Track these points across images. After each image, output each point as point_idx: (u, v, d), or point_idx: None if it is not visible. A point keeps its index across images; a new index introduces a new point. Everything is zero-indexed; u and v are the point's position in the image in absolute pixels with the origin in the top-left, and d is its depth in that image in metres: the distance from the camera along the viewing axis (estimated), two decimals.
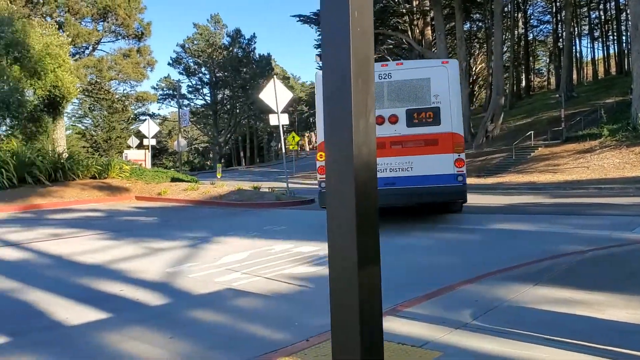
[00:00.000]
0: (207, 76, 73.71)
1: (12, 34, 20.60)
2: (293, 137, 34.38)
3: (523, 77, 57.83)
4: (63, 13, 38.94)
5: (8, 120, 22.87)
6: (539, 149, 29.78)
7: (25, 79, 20.94)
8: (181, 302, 5.15)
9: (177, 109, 53.77)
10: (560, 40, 52.51)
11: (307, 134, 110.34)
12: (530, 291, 4.77)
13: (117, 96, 55.58)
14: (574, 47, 50.40)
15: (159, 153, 68.98)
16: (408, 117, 10.36)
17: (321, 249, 7.65)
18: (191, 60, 72.32)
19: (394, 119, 10.36)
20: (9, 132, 24.20)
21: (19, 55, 20.95)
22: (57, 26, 32.75)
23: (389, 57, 52.88)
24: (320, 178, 10.63)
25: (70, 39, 29.40)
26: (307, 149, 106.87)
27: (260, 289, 5.49)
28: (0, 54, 20.74)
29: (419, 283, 5.52)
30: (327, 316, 4.41)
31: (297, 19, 46.90)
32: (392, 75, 10.54)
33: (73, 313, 4.80)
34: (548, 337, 3.61)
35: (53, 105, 22.93)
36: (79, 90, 31.55)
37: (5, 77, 20.82)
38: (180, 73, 72.87)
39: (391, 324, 4.02)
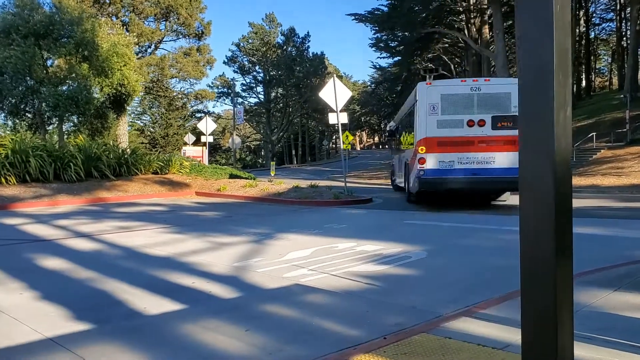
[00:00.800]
0: (261, 75, 74.70)
1: (82, 33, 21.45)
2: (347, 136, 34.38)
3: (583, 77, 55.79)
4: (128, 13, 40.22)
5: (75, 117, 23.85)
6: (602, 151, 28.71)
7: (93, 77, 21.76)
8: (252, 296, 5.21)
9: (230, 107, 54.54)
10: (625, 38, 50.44)
11: (358, 133, 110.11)
12: (611, 296, 4.59)
13: (175, 93, 56.97)
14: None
15: (213, 150, 70.40)
16: (493, 122, 13.21)
17: (384, 248, 7.61)
18: (246, 59, 73.43)
19: (482, 123, 13.22)
20: (75, 128, 25.26)
21: (87, 54, 21.81)
22: (122, 25, 33.89)
23: (443, 56, 52.11)
24: (419, 167, 13.41)
25: (135, 38, 30.33)
26: (358, 148, 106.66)
27: (328, 285, 5.50)
28: (71, 52, 21.64)
29: (490, 285, 5.40)
30: (400, 315, 4.41)
31: (352, 17, 46.89)
32: (481, 88, 13.33)
33: (150, 303, 4.94)
34: (637, 344, 3.46)
35: (118, 102, 23.77)
36: (141, 88, 32.55)
37: (74, 75, 21.70)
38: (235, 71, 74.24)
39: (468, 325, 3.95)
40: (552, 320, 2.15)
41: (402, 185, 19.39)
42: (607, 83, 68.34)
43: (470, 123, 13.19)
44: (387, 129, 25.94)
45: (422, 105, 13.37)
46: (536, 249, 2.16)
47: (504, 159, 13.01)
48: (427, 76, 14.42)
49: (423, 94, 13.41)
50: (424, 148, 13.31)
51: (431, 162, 13.28)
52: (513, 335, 3.66)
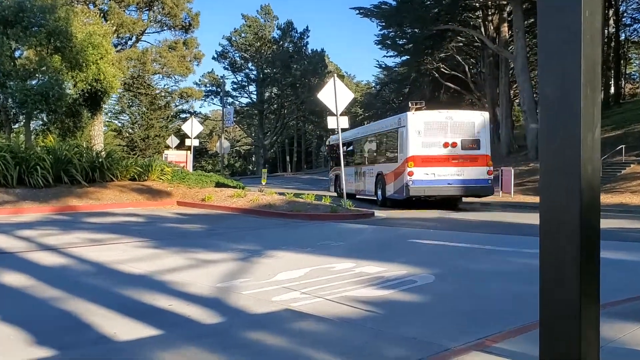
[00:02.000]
0: (254, 72, 74.85)
1: (54, 22, 21.44)
2: None
3: (612, 83, 56.00)
4: (107, 0, 40.23)
5: (44, 115, 23.80)
6: (632, 165, 28.76)
7: (66, 71, 21.73)
8: (236, 322, 5.17)
9: (219, 108, 54.56)
10: None
11: None
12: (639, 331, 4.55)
13: (157, 91, 56.99)
14: None
15: (198, 155, 70.36)
16: (462, 144, 19.02)
17: (387, 270, 7.57)
18: (237, 55, 73.65)
19: (455, 144, 18.98)
20: (45, 127, 25.21)
21: (60, 45, 21.78)
22: (100, 14, 33.95)
23: (457, 56, 52.31)
24: (409, 178, 18.64)
25: (114, 29, 30.35)
26: None
27: (323, 312, 5.45)
28: (42, 43, 21.63)
29: (504, 315, 5.36)
30: (402, 346, 4.38)
31: (357, 11, 47.11)
32: (453, 117, 19.36)
33: (121, 327, 4.89)
34: None
35: (94, 100, 23.73)
36: (120, 84, 32.53)
37: (45, 68, 21.67)
38: (225, 68, 74.49)
39: None
40: None
41: (351, 191, 24.62)
42: (638, 90, 68.62)
43: (446, 144, 18.88)
44: (329, 143, 29.64)
45: (410, 130, 18.84)
46: (558, 291, 2.08)
47: (470, 172, 18.84)
48: (410, 107, 19.56)
49: (411, 121, 18.97)
50: (412, 163, 18.62)
51: (418, 174, 18.62)
52: None
